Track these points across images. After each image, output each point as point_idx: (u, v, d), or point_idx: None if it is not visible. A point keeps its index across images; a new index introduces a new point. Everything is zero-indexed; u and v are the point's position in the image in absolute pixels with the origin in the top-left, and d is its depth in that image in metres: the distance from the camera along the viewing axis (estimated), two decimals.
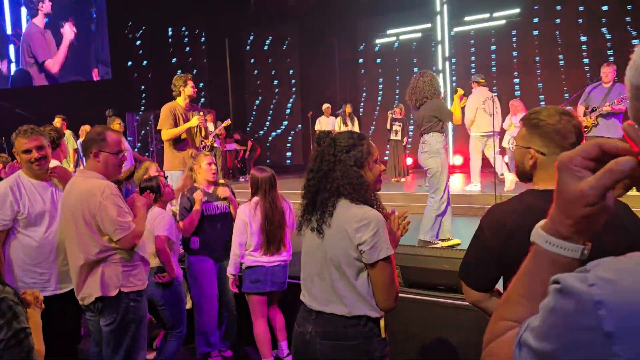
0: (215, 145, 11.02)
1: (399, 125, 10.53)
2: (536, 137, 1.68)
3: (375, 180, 2.15)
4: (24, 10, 16.20)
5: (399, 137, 10.56)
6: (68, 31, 15.90)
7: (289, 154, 15.41)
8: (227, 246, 3.84)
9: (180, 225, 3.97)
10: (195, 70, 15.40)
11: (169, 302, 3.74)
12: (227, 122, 9.38)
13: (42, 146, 3.06)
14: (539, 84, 12.13)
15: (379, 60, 14.28)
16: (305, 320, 2.14)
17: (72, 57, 15.96)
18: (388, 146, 10.98)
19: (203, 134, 5.85)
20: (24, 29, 16.24)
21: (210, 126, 11.29)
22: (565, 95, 11.33)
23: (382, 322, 2.09)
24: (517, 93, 12.10)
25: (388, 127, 10.66)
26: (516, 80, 12.32)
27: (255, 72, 16.03)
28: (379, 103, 14.12)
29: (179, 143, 5.54)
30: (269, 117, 15.71)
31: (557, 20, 11.84)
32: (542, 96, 12.03)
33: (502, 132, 8.71)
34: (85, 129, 9.81)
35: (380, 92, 14.24)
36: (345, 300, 2.03)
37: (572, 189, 0.73)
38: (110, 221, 2.65)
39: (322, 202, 2.08)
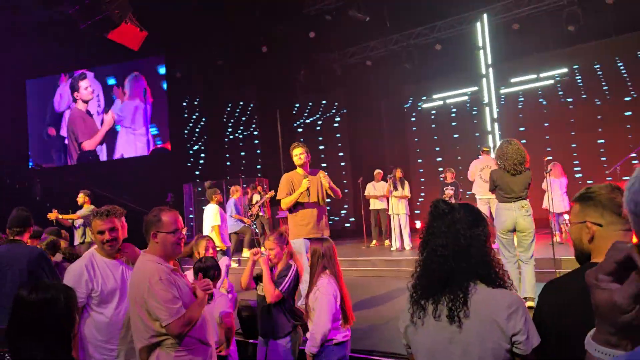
0: (260, 214, 11.25)
1: (452, 190, 10.47)
2: (590, 209, 1.69)
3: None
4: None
5: (453, 202, 10.45)
6: (108, 119, 16.96)
7: (338, 219, 15.49)
8: None
9: None
10: (246, 141, 15.99)
11: None
12: (271, 193, 9.62)
13: (114, 228, 3.26)
14: (599, 141, 11.91)
15: (426, 124, 14.45)
16: None
17: (129, 133, 16.89)
18: None
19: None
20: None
21: (256, 196, 11.59)
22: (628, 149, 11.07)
23: None
24: (575, 151, 11.90)
25: (445, 197, 10.62)
26: (572, 140, 12.17)
27: (303, 139, 16.46)
28: (427, 167, 14.16)
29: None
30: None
31: (613, 75, 11.80)
32: (602, 152, 11.77)
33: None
34: (234, 188, 10.44)
35: (429, 156, 14.31)
36: None
37: (605, 302, 0.80)
38: (158, 307, 2.63)
39: (457, 284, 1.77)
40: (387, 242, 11.01)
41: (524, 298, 5.60)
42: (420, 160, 14.57)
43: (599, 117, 11.96)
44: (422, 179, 14.14)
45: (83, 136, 17.32)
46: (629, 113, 11.58)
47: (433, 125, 14.35)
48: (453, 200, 10.38)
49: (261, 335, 3.97)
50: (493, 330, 1.71)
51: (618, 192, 1.69)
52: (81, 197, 8.77)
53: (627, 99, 11.61)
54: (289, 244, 4.09)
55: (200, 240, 4.61)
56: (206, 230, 8.16)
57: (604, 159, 11.62)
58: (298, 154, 5.81)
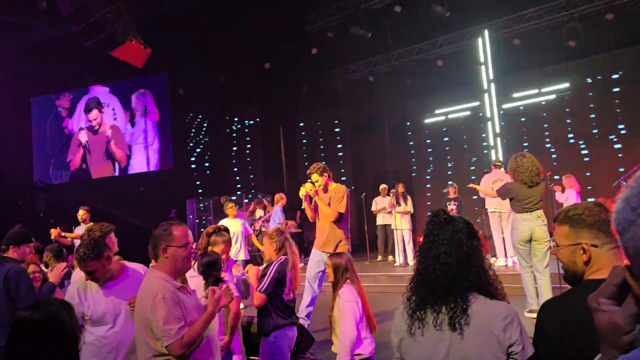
0: (263, 229, 11.25)
1: (455, 204, 10.44)
2: (584, 231, 1.69)
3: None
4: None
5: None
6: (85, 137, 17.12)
7: None
8: None
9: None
10: (249, 159, 16.03)
11: None
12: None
13: (95, 270, 3.24)
14: (618, 153, 11.90)
15: (429, 140, 14.48)
16: None
17: (133, 149, 16.97)
18: None
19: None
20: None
21: (259, 212, 11.60)
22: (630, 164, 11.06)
23: None
24: (580, 164, 11.90)
25: (448, 210, 10.60)
26: (574, 154, 12.18)
27: (306, 155, 16.51)
28: (430, 182, 14.16)
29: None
30: None
31: (615, 90, 11.83)
32: (621, 166, 11.77)
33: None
34: (279, 196, 10.66)
35: (431, 171, 14.31)
36: None
37: (606, 324, 0.81)
38: (157, 327, 2.58)
39: (459, 292, 1.78)
40: (390, 257, 10.97)
41: (533, 310, 5.62)
42: (423, 176, 14.56)
43: (602, 130, 11.96)
44: (428, 194, 14.10)
45: (90, 154, 17.41)
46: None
47: (435, 141, 14.37)
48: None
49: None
50: (490, 341, 1.73)
51: (606, 210, 1.71)
52: (81, 214, 8.77)
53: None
54: (285, 240, 4.02)
55: (218, 238, 4.28)
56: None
57: (620, 169, 11.60)
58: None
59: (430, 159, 14.44)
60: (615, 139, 11.79)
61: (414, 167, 14.74)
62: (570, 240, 1.72)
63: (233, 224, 8.42)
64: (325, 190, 5.94)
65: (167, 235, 2.77)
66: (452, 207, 10.45)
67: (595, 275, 1.68)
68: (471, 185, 8.05)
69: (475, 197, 11.40)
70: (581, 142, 12.26)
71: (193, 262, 3.50)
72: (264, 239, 4.07)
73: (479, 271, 1.82)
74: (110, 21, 9.18)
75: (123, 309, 3.26)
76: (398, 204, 10.68)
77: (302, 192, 5.82)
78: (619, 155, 11.61)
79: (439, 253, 1.83)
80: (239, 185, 16.61)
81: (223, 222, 8.62)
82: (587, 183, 11.61)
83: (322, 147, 16.25)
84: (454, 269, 1.80)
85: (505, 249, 8.65)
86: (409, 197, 10.76)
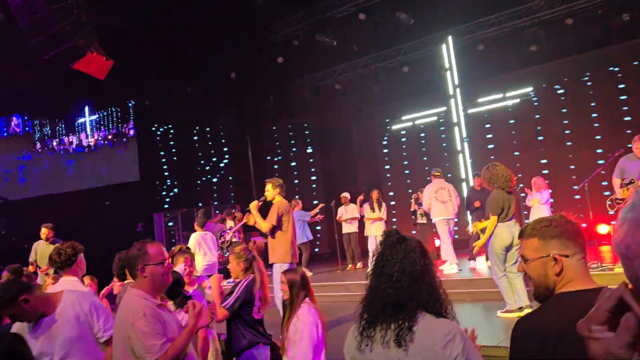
0: (234, 239, 11.12)
1: (422, 209, 10.50)
2: (553, 241, 1.68)
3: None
4: None
5: (424, 221, 10.49)
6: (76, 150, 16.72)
7: (316, 243, 15.38)
8: None
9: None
10: (221, 168, 15.85)
11: None
12: (246, 218, 9.60)
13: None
14: (568, 157, 12.15)
15: (397, 145, 14.57)
16: None
17: (103, 161, 16.60)
18: (414, 232, 10.89)
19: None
20: None
21: (230, 223, 11.46)
22: (600, 161, 11.33)
23: None
24: (545, 171, 12.11)
25: (412, 209, 10.67)
26: (540, 157, 12.41)
27: (276, 166, 16.42)
28: (399, 188, 14.23)
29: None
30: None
31: (576, 93, 12.10)
32: (573, 167, 12.02)
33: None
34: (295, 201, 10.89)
35: (401, 177, 14.39)
36: None
37: (602, 354, 0.77)
38: (140, 344, 2.56)
39: (408, 311, 1.83)
40: (359, 264, 10.97)
41: (521, 307, 5.85)
42: (393, 182, 14.63)
43: (567, 132, 12.21)
44: (392, 203, 14.14)
45: (50, 172, 16.96)
46: (597, 124, 11.83)
47: (402, 147, 14.47)
48: (425, 220, 10.44)
49: None
50: (433, 358, 1.79)
51: (571, 222, 1.73)
52: (44, 232, 8.50)
53: (594, 115, 11.90)
54: (253, 259, 3.97)
55: (179, 256, 4.38)
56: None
57: (574, 177, 11.86)
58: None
59: (399, 164, 14.51)
60: (581, 139, 12.03)
61: (383, 173, 14.79)
62: (541, 252, 1.70)
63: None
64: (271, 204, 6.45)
65: (143, 255, 2.75)
66: (421, 212, 10.52)
67: (567, 288, 1.67)
68: (473, 229, 7.62)
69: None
70: (543, 146, 12.47)
71: None
72: (231, 257, 3.98)
73: (430, 290, 1.87)
74: (70, 33, 8.96)
75: (57, 346, 3.07)
76: (372, 209, 10.71)
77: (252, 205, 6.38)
78: (589, 155, 11.84)
79: (393, 272, 1.87)
80: (207, 197, 16.39)
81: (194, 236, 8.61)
82: (551, 186, 11.84)
83: (291, 154, 16.17)
84: (406, 287, 1.85)
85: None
86: (383, 204, 10.77)
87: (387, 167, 14.79)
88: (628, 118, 11.41)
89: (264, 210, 6.49)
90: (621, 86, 11.65)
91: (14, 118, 17.28)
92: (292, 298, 3.59)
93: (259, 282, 3.84)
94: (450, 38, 12.26)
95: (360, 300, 1.98)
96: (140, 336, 2.55)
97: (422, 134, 14.00)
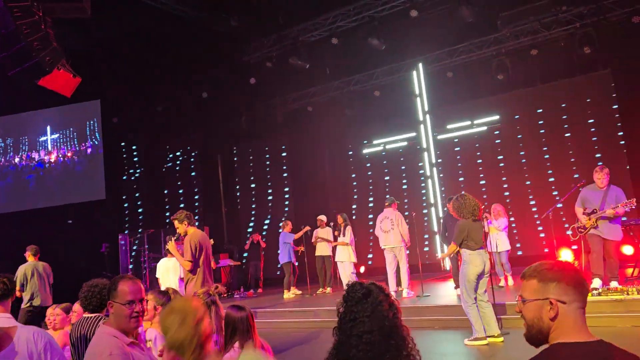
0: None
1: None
2: (552, 285, 1.63)
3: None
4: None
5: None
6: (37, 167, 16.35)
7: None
8: None
9: None
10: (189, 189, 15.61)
11: None
12: (211, 241, 9.47)
13: None
14: (527, 183, 12.42)
15: (367, 169, 14.64)
16: None
17: (67, 179, 16.17)
18: None
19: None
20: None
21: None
22: (555, 193, 11.59)
23: None
24: (507, 193, 12.33)
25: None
26: (504, 184, 12.64)
27: (245, 186, 16.27)
28: (370, 210, 14.25)
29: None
30: (264, 232, 15.62)
31: (540, 122, 12.40)
32: (532, 196, 12.27)
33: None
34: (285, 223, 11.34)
35: (371, 199, 14.43)
36: None
37: None
38: None
39: None
40: (328, 289, 10.89)
41: (490, 336, 5.98)
42: (364, 205, 14.64)
43: (528, 162, 12.48)
44: (370, 223, 14.11)
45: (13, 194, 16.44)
46: (571, 152, 12.13)
47: (374, 170, 14.54)
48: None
49: None
50: None
51: (573, 266, 1.70)
52: (29, 255, 8.46)
53: (564, 141, 12.20)
54: (212, 303, 3.72)
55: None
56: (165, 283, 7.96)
57: (534, 202, 12.10)
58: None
59: (371, 187, 14.57)
60: (543, 168, 12.31)
61: (353, 197, 14.82)
62: (538, 294, 1.65)
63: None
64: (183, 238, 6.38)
65: (112, 290, 2.62)
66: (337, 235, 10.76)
67: (563, 339, 1.62)
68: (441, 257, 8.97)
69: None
70: (507, 174, 12.72)
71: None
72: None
73: (399, 344, 1.86)
74: (36, 49, 8.74)
75: None
76: (339, 234, 10.61)
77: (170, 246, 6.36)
78: (551, 183, 12.11)
79: (362, 332, 1.83)
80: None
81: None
82: (514, 211, 12.07)
83: (261, 176, 16.06)
84: (376, 347, 1.81)
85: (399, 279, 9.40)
86: (348, 228, 10.67)
87: (358, 190, 14.83)
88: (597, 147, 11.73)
89: None
90: (590, 120, 11.99)
91: None
92: (225, 340, 3.29)
93: (215, 328, 3.48)
94: (420, 65, 12.47)
95: (328, 353, 1.92)
96: None
97: (393, 159, 14.12)
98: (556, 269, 1.66)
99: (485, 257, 6.07)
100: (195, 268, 6.06)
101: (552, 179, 12.06)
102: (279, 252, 11.63)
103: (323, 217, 11.08)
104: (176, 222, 6.36)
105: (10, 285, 3.49)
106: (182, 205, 16.44)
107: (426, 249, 12.83)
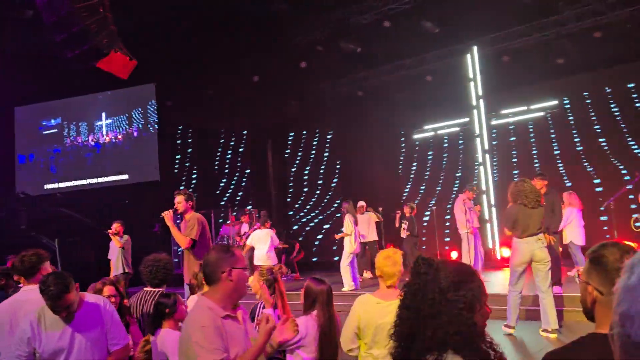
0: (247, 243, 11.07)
1: (405, 224, 11.13)
2: (595, 273, 1.59)
3: (484, 328, 1.63)
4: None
5: (405, 235, 11.14)
6: (97, 147, 16.86)
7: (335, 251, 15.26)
8: None
9: None
10: (238, 173, 15.83)
11: None
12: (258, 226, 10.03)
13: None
14: (589, 171, 11.89)
15: (417, 154, 14.40)
16: None
17: (122, 158, 16.72)
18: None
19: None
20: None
21: (245, 227, 11.41)
22: (626, 177, 11.06)
23: None
24: (568, 183, 11.84)
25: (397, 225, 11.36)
26: (562, 170, 12.17)
27: (294, 169, 16.36)
28: (419, 196, 14.06)
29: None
30: (311, 215, 15.73)
31: (611, 103, 11.86)
32: (598, 181, 11.72)
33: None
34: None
35: (423, 186, 14.21)
36: None
37: None
38: (196, 358, 2.38)
39: (418, 355, 1.57)
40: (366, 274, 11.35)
41: (545, 330, 5.96)
42: (414, 192, 14.44)
43: (591, 149, 11.93)
44: (428, 212, 13.91)
45: (73, 168, 17.13)
46: (632, 142, 11.54)
47: (423, 156, 14.29)
48: (406, 235, 10.61)
49: None
50: None
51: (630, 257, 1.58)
52: (117, 227, 9.81)
53: (624, 128, 11.61)
54: (274, 281, 3.91)
55: (105, 288, 4.04)
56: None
57: (600, 189, 11.55)
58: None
59: (421, 173, 14.33)
60: (603, 157, 11.75)
61: (407, 184, 14.63)
62: (584, 277, 1.64)
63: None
64: (183, 218, 6.13)
65: (231, 257, 2.58)
66: (404, 227, 11.07)
67: (599, 329, 1.57)
68: None
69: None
70: (566, 162, 12.21)
71: None
72: (255, 274, 3.89)
73: (451, 329, 1.56)
74: (94, 32, 9.01)
75: (77, 343, 3.11)
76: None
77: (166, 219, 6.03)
78: (613, 171, 11.55)
79: (402, 307, 1.69)
80: (225, 199, 16.39)
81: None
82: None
83: (310, 161, 16.10)
84: (410, 326, 1.63)
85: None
86: (347, 216, 10.17)
87: (407, 176, 14.63)
88: None
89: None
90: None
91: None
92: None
93: (276, 304, 3.82)
94: (475, 48, 12.09)
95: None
96: (197, 350, 2.35)
97: (445, 144, 13.83)
98: (606, 257, 1.57)
99: (534, 246, 5.97)
100: (194, 248, 5.82)
101: (620, 166, 11.48)
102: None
103: (363, 203, 11.17)
104: (181, 197, 6.11)
105: (36, 260, 3.63)
106: (232, 187, 16.74)
107: None
